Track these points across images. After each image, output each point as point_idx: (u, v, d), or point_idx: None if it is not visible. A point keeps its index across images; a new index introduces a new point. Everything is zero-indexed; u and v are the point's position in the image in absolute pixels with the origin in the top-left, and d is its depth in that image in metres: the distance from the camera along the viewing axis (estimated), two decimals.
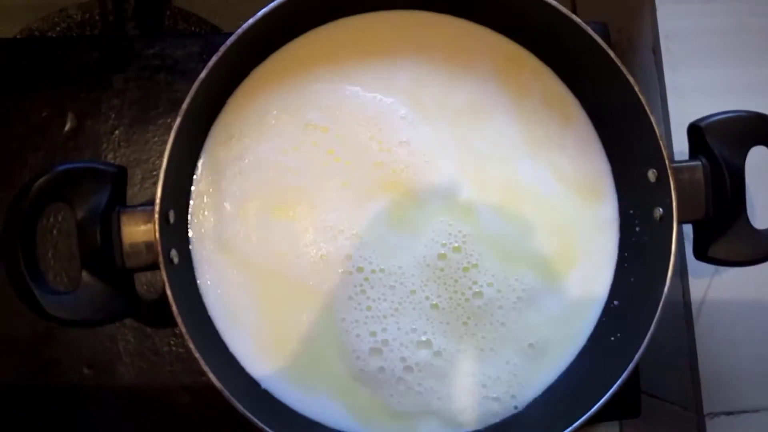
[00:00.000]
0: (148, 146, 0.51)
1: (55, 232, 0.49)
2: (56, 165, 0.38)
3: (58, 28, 0.60)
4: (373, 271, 0.43)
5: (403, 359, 0.42)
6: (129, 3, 0.59)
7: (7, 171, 0.49)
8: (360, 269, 0.43)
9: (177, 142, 0.38)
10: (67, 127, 0.50)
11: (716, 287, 0.51)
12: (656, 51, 0.53)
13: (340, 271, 0.42)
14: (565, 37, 0.43)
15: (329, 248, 0.42)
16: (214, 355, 0.40)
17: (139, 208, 0.39)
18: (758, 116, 0.41)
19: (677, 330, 0.53)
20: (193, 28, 0.61)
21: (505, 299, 0.43)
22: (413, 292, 0.43)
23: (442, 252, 0.43)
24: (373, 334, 0.42)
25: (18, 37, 0.60)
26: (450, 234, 0.43)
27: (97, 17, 0.60)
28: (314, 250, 0.43)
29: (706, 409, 0.50)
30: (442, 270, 0.43)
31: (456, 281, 0.43)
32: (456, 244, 0.43)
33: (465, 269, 0.43)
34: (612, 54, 0.41)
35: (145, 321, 0.49)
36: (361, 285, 0.42)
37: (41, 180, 0.38)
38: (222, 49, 0.39)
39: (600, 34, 0.55)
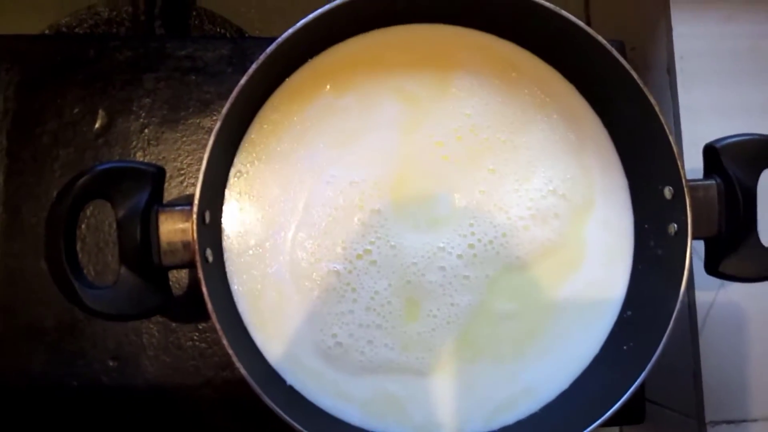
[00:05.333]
0: (177, 146, 0.52)
1: (83, 227, 0.50)
2: (98, 164, 0.40)
3: (85, 25, 0.60)
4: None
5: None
6: (157, 2, 0.60)
7: (38, 166, 0.50)
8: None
9: (216, 144, 0.40)
10: (97, 125, 0.51)
11: (722, 299, 0.53)
12: (671, 71, 0.55)
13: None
14: (587, 54, 0.44)
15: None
16: (244, 351, 0.41)
17: (177, 208, 0.40)
18: None
19: (681, 339, 0.55)
20: (218, 29, 0.62)
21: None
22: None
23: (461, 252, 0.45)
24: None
25: (46, 32, 0.60)
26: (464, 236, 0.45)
27: (124, 15, 0.60)
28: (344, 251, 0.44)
29: (707, 418, 0.52)
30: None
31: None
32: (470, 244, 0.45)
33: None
34: (635, 74, 0.43)
35: (170, 316, 0.50)
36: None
37: (85, 177, 0.39)
38: (262, 57, 0.40)
39: (617, 52, 0.57)
